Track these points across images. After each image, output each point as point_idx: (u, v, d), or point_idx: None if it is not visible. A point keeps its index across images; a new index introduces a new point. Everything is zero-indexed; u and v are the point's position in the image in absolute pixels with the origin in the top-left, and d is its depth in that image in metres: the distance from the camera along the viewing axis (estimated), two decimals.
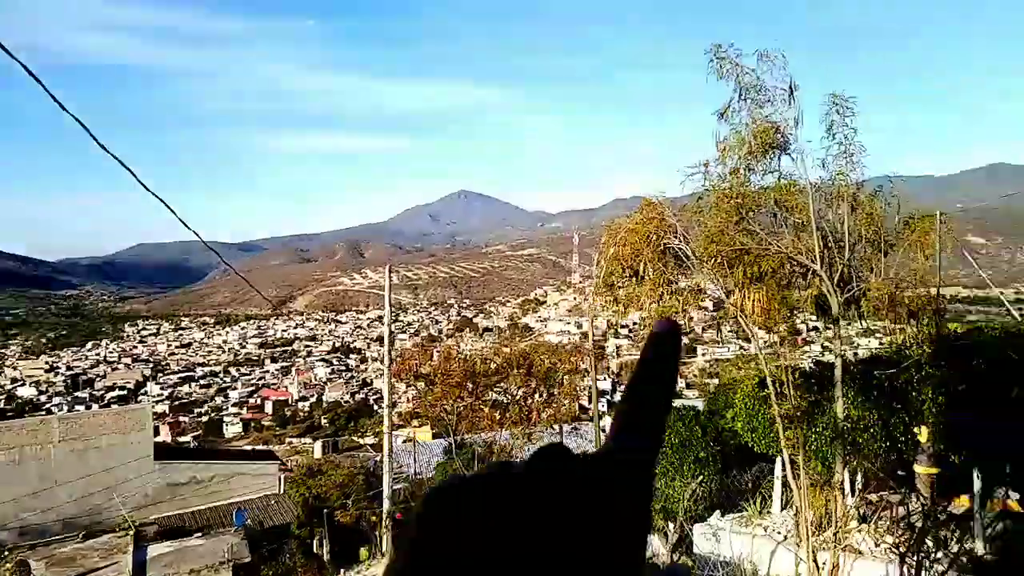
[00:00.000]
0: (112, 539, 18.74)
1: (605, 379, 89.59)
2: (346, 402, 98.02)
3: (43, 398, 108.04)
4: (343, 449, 38.89)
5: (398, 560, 0.34)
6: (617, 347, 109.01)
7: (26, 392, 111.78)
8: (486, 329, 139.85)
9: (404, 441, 30.30)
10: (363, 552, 16.55)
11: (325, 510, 18.48)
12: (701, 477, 12.25)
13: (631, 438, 0.37)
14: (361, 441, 44.53)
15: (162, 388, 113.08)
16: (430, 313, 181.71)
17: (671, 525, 11.20)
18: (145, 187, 7.58)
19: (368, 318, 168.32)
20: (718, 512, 11.07)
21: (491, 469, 0.37)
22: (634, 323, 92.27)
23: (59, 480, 21.45)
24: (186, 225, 9.25)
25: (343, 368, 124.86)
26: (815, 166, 9.13)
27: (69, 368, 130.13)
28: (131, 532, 18.74)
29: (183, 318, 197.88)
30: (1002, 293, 39.91)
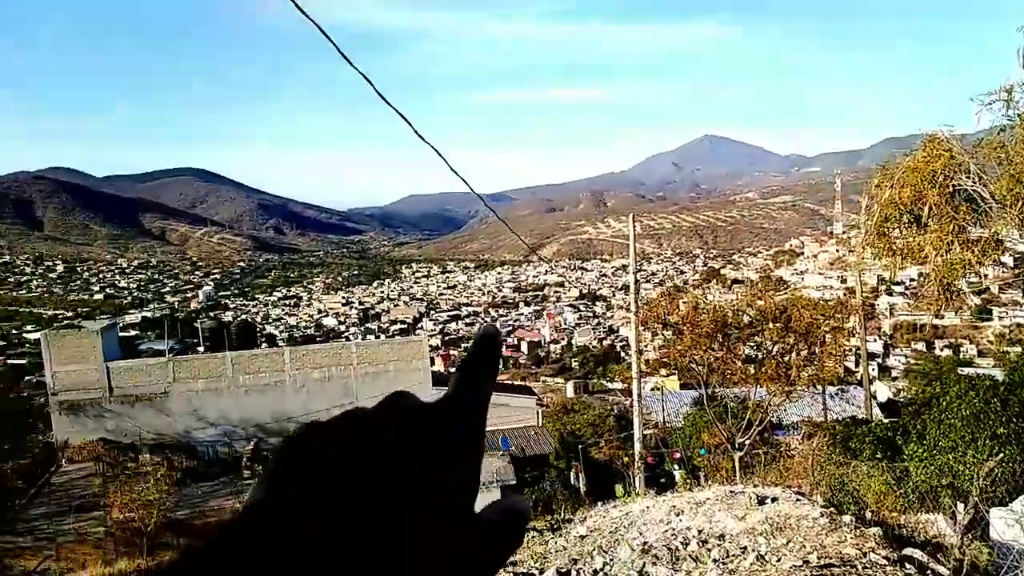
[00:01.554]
0: None
1: (875, 340, 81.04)
2: (594, 347, 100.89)
3: (342, 327, 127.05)
4: (593, 391, 40.35)
5: (267, 473, 0.36)
6: (890, 306, 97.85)
7: (329, 322, 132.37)
8: (735, 281, 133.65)
9: (652, 389, 30.68)
10: (618, 489, 17.39)
11: (580, 445, 19.62)
12: (1000, 455, 10.86)
13: (468, 393, 0.45)
14: (610, 385, 45.89)
15: (435, 324, 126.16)
16: (674, 263, 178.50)
17: (961, 506, 10.13)
18: (420, 136, 8.37)
19: (612, 266, 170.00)
20: (1023, 497, 9.74)
21: (345, 412, 0.42)
22: (911, 279, 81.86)
23: (358, 397, 25.42)
24: (454, 171, 10.06)
25: (590, 315, 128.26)
26: None
27: (360, 303, 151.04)
28: None
29: (448, 262, 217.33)
30: None
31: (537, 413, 24.95)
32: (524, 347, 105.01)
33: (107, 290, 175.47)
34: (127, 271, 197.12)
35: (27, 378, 46.59)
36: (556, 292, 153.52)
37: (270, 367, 25.59)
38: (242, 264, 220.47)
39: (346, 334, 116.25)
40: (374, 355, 26.66)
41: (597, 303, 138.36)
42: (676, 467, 19.60)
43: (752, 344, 19.46)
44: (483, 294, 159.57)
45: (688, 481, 16.43)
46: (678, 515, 8.39)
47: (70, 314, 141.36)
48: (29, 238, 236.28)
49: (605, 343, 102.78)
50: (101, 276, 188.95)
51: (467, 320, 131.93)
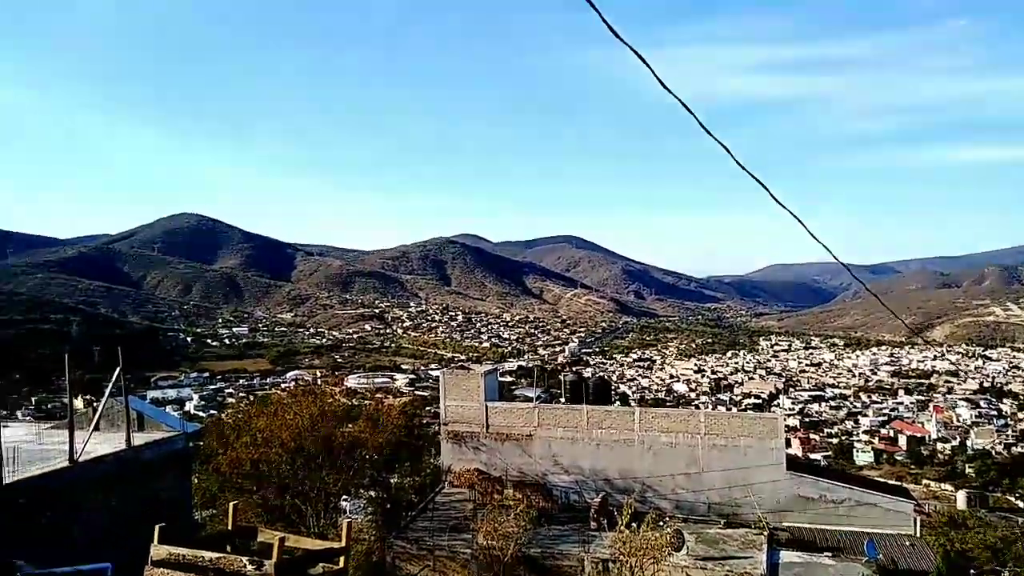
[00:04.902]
0: (748, 534, 20.64)
1: None
2: (998, 453, 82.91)
3: (692, 395, 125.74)
4: (994, 508, 33.29)
5: None
6: None
7: (679, 387, 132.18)
8: None
9: None
10: None
11: (973, 570, 16.23)
12: None
13: None
14: (1019, 504, 37.16)
15: (793, 403, 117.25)
16: None
17: None
18: (777, 201, 8.30)
19: None
20: None
21: None
22: None
23: (704, 468, 24.76)
24: (814, 236, 9.61)
25: (993, 413, 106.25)
26: None
27: (713, 372, 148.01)
28: (765, 532, 20.26)
29: (813, 337, 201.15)
30: None
31: (915, 521, 21.38)
32: (903, 441, 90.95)
33: (492, 339, 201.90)
34: (509, 324, 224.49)
35: (427, 408, 56.12)
36: (947, 382, 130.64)
37: (621, 425, 26.50)
38: (604, 324, 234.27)
39: (696, 402, 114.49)
40: (723, 427, 25.83)
41: (1004, 400, 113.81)
42: None
43: None
44: (853, 375, 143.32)
45: None
46: None
47: (463, 357, 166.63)
48: (440, 291, 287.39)
49: (1014, 450, 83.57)
50: (489, 327, 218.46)
51: (831, 402, 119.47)
